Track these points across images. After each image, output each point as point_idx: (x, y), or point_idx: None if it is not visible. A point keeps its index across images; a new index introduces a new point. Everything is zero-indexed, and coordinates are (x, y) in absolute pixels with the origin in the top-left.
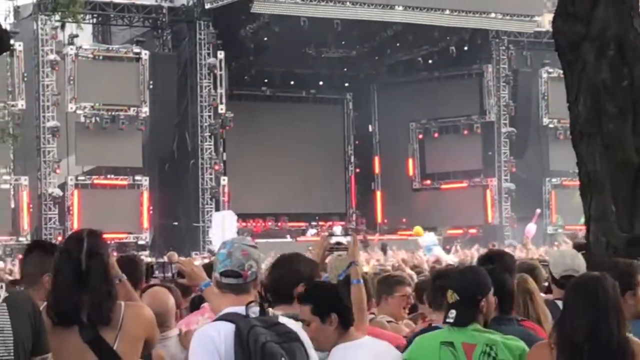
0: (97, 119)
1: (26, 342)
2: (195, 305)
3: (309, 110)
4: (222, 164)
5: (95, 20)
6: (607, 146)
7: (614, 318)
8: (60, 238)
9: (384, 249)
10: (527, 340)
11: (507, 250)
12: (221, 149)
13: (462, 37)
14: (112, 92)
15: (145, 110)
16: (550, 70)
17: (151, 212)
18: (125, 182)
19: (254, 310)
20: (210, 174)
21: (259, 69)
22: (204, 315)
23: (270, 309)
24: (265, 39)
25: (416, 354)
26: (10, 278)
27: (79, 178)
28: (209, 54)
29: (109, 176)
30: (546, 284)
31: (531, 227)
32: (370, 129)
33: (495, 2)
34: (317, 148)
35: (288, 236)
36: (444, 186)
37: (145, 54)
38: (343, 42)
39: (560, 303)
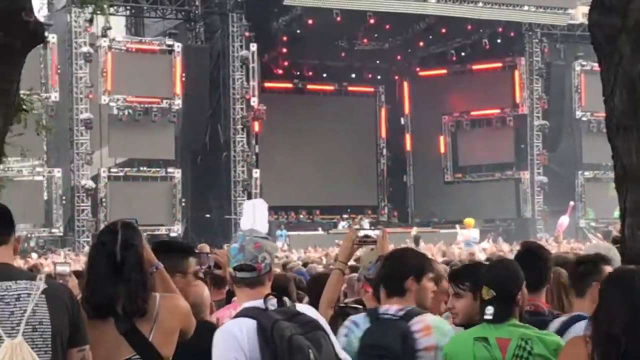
0: (130, 111)
1: (64, 334)
2: (230, 298)
3: (341, 102)
4: (254, 157)
5: (128, 12)
6: None
7: None
8: (93, 230)
9: (416, 242)
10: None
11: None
12: (253, 142)
13: (495, 29)
14: (145, 84)
15: (177, 102)
16: (584, 63)
17: (183, 204)
18: (157, 174)
19: (272, 303)
20: (242, 167)
21: (292, 62)
22: (237, 308)
23: (286, 299)
24: (298, 31)
25: (452, 349)
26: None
27: (112, 170)
28: (241, 46)
29: (141, 168)
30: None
31: (564, 220)
32: (403, 121)
33: None
34: (349, 140)
35: (320, 229)
36: (476, 179)
37: (178, 47)
38: (376, 35)
39: None
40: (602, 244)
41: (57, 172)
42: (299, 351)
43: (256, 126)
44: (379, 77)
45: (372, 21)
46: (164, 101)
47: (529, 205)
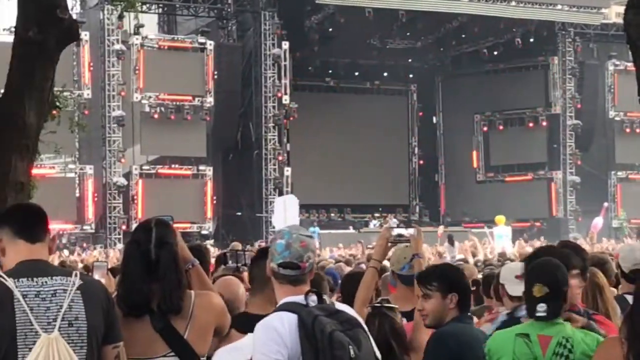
0: (162, 108)
1: (99, 331)
2: None
3: (373, 101)
4: (285, 155)
5: (160, 10)
6: None
7: None
8: (124, 227)
9: (451, 241)
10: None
11: None
12: (285, 140)
13: (528, 28)
14: (177, 82)
15: (209, 100)
16: (617, 62)
17: (214, 202)
18: (189, 172)
19: (313, 299)
20: (274, 165)
21: (324, 60)
22: None
23: (326, 297)
24: (330, 29)
25: (494, 345)
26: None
27: (144, 167)
28: (273, 44)
29: (173, 166)
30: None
31: (598, 221)
32: (435, 120)
33: None
34: (380, 139)
35: (351, 227)
36: (508, 179)
37: (210, 44)
38: (408, 33)
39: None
40: (637, 245)
41: (89, 169)
42: (340, 347)
43: (288, 124)
44: (411, 75)
45: (404, 20)
46: (196, 99)
47: (561, 205)
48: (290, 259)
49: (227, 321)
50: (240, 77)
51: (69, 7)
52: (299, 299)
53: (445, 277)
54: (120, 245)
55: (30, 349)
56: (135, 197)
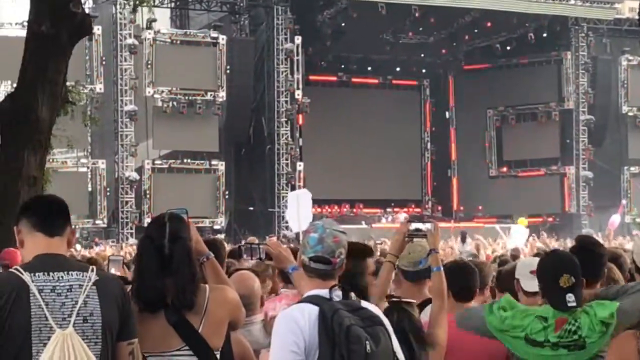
0: (175, 103)
1: (113, 327)
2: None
3: (386, 96)
4: (298, 150)
5: (173, 4)
6: None
7: None
8: (136, 222)
9: (463, 238)
10: None
11: None
12: (297, 135)
13: (541, 23)
14: (190, 76)
15: (222, 95)
16: (630, 57)
17: (227, 196)
18: (201, 167)
19: (338, 294)
20: (286, 159)
21: (336, 55)
22: (282, 301)
23: (352, 293)
24: (343, 24)
25: (511, 319)
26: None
27: (156, 162)
28: (286, 39)
29: (185, 160)
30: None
31: (615, 218)
32: (447, 115)
33: None
34: (393, 134)
35: (363, 222)
36: (521, 174)
37: (222, 39)
38: (420, 28)
39: None
40: None
41: (102, 164)
42: (357, 341)
43: (300, 119)
44: (423, 70)
45: (417, 15)
46: (209, 93)
47: (574, 201)
48: (323, 254)
49: (242, 315)
50: (253, 71)
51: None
52: (324, 292)
53: None
54: (132, 240)
55: (45, 344)
56: (147, 191)
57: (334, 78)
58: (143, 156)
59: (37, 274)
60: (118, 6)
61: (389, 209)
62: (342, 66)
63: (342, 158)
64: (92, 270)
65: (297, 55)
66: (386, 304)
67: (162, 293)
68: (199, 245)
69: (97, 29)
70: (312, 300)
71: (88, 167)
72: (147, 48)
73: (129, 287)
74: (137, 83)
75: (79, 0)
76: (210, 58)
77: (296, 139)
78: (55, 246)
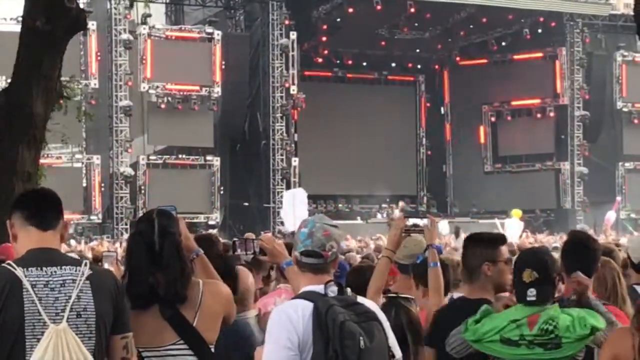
0: (169, 98)
1: (107, 321)
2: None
3: (381, 91)
4: (293, 145)
5: (168, 0)
6: None
7: None
8: (131, 217)
9: (456, 233)
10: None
11: None
12: (292, 130)
13: (536, 19)
14: (185, 72)
15: (217, 90)
16: (625, 53)
17: (222, 192)
18: (196, 162)
19: (333, 290)
20: (282, 155)
21: (331, 50)
22: (281, 296)
23: (348, 289)
24: (338, 19)
25: (487, 327)
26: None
27: (151, 158)
28: (281, 34)
29: (180, 156)
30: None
31: (611, 215)
32: (442, 111)
33: None
34: (388, 130)
35: (359, 218)
36: (515, 169)
37: (217, 35)
38: (416, 24)
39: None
40: None
41: (96, 159)
42: (350, 336)
43: (295, 114)
44: (419, 66)
45: (412, 10)
46: (204, 89)
47: (569, 197)
48: (312, 248)
49: (234, 310)
50: (248, 67)
51: None
52: (319, 288)
53: None
54: (127, 236)
55: (39, 339)
56: (142, 187)
57: (329, 73)
58: (138, 152)
59: (30, 269)
60: (113, 1)
61: (384, 205)
62: (338, 62)
63: (337, 153)
64: (86, 265)
65: (293, 50)
66: (383, 299)
67: (153, 288)
68: (188, 241)
69: (92, 24)
70: (307, 296)
71: (83, 163)
72: (142, 43)
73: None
74: (132, 78)
75: None
76: (205, 53)
77: (291, 135)
78: (48, 240)
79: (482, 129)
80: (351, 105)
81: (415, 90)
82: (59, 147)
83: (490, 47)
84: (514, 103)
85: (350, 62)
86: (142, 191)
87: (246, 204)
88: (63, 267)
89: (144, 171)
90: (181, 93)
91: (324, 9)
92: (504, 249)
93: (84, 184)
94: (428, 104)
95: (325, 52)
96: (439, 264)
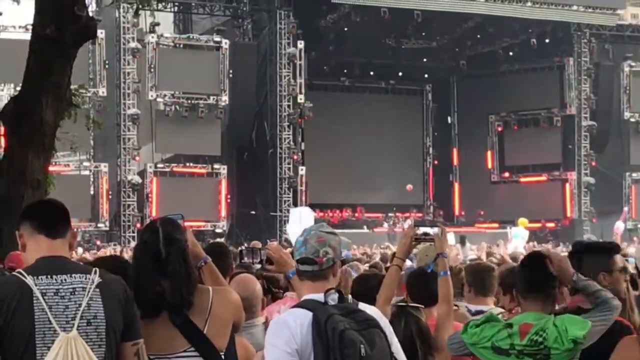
0: (177, 107)
1: (118, 328)
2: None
3: (388, 101)
4: (300, 154)
5: (176, 8)
6: None
7: None
8: (138, 225)
9: (462, 242)
10: None
11: None
12: (299, 139)
13: (544, 29)
14: (192, 80)
15: (224, 99)
16: (633, 64)
17: (229, 200)
18: (203, 171)
19: (333, 298)
20: (289, 164)
21: (339, 59)
22: (286, 304)
23: (349, 296)
24: (346, 29)
25: (480, 332)
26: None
27: (158, 166)
28: (289, 43)
29: (187, 164)
30: None
31: (620, 225)
32: (449, 120)
33: None
34: (395, 139)
35: (365, 227)
36: (522, 179)
37: (225, 43)
38: (423, 33)
39: None
40: None
41: (104, 167)
42: (351, 345)
43: (302, 123)
44: (426, 75)
45: (419, 20)
46: (211, 97)
47: (576, 207)
48: (306, 254)
49: (243, 317)
50: (256, 76)
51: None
52: (319, 296)
53: None
54: (134, 244)
55: (49, 347)
56: (149, 195)
57: (337, 82)
58: (145, 160)
59: (40, 277)
60: (121, 10)
61: (390, 214)
62: (345, 71)
63: (344, 162)
64: (95, 273)
65: (300, 59)
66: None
67: (160, 295)
68: (196, 248)
69: (101, 33)
70: (306, 305)
71: (90, 171)
72: (150, 52)
73: None
74: (140, 87)
75: (83, 4)
76: (213, 62)
77: (298, 144)
78: (57, 248)
79: (489, 138)
80: (358, 114)
81: (422, 100)
82: (67, 155)
83: (498, 56)
84: (521, 113)
85: (357, 71)
86: (150, 199)
87: (253, 212)
88: (73, 275)
89: (151, 179)
90: (189, 101)
91: (331, 18)
92: (619, 257)
93: (92, 192)
94: (435, 114)
95: (333, 61)
96: (449, 272)
